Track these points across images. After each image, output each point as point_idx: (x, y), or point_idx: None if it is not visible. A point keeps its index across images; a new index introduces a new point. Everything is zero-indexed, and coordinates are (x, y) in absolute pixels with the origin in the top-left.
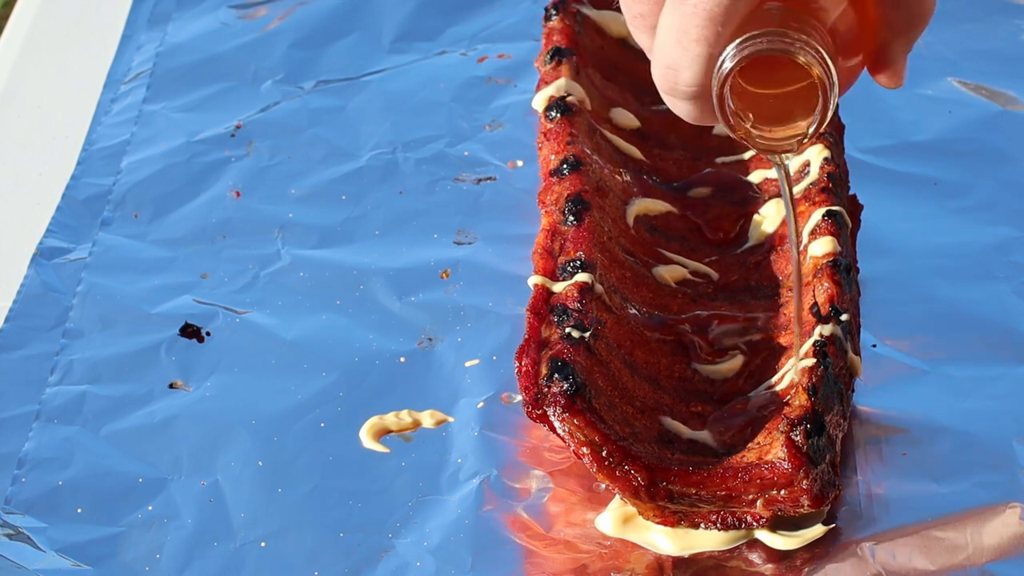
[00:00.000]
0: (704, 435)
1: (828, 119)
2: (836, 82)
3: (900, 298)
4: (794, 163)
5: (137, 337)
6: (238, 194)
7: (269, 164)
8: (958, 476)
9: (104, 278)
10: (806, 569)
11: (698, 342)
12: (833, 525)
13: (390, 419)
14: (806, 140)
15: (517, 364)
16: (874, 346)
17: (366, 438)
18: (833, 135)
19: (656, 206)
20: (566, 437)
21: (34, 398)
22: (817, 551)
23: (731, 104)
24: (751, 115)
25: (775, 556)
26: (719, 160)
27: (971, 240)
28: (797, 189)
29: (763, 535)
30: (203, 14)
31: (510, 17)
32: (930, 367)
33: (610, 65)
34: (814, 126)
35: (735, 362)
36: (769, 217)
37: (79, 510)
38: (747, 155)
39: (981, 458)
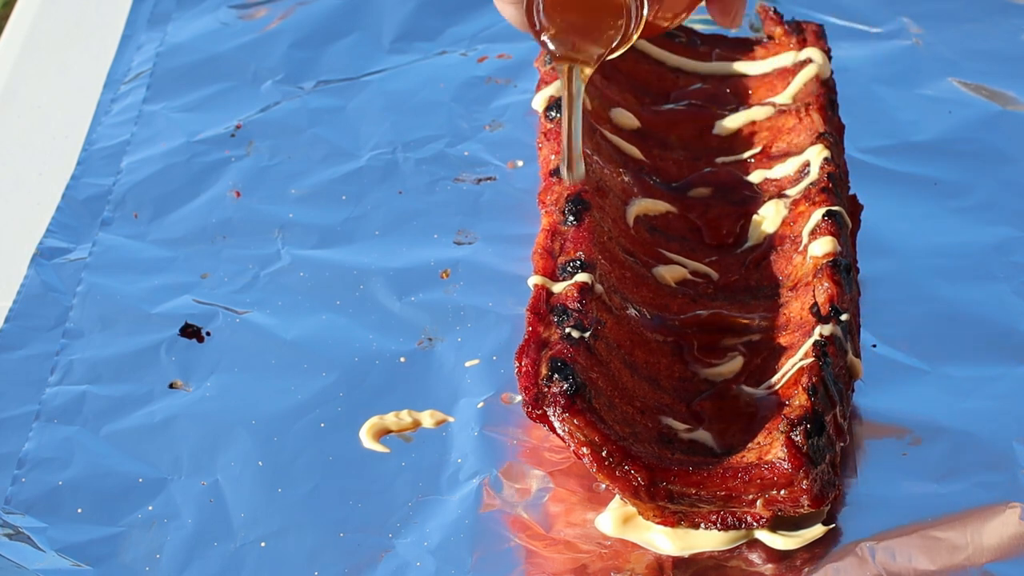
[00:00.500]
0: (704, 435)
1: (628, 42)
2: (644, 5)
3: (900, 298)
4: (794, 162)
5: (137, 337)
6: (238, 194)
7: (269, 164)
8: (958, 476)
9: (104, 278)
10: (806, 569)
11: (695, 345)
12: (833, 525)
13: (390, 419)
14: (602, 58)
15: (517, 364)
16: (874, 346)
17: (366, 438)
18: (833, 135)
19: (656, 206)
20: (566, 437)
21: (34, 398)
22: (817, 551)
23: (541, 8)
24: (559, 22)
25: (775, 556)
26: (719, 160)
27: (971, 240)
28: (797, 188)
29: (763, 535)
30: (203, 14)
31: None
32: (930, 367)
33: (610, 65)
34: (615, 43)
35: (735, 364)
36: (769, 217)
37: (79, 510)
38: (747, 155)
39: (981, 458)
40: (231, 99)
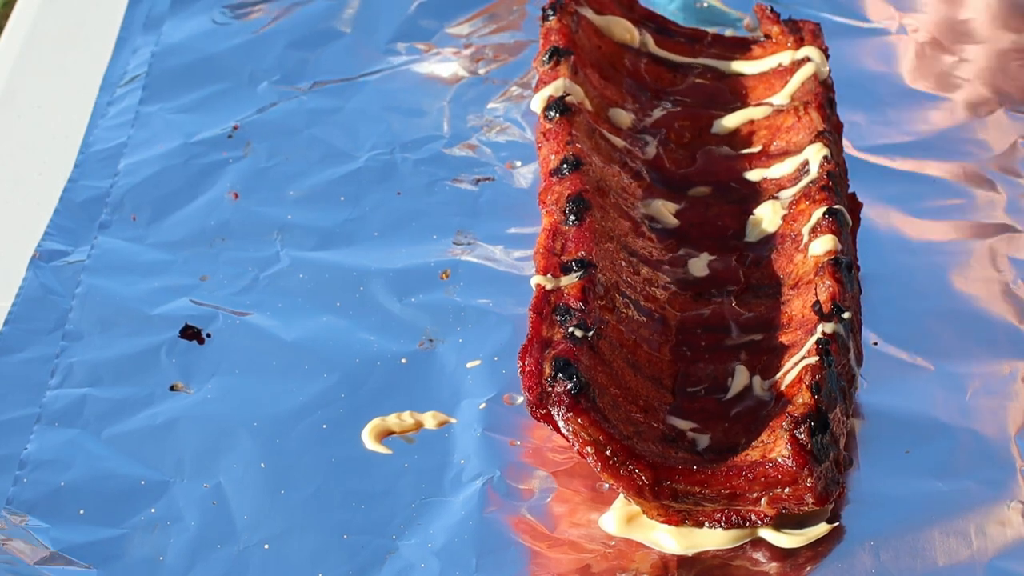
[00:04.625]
0: (707, 434)
1: None
2: None
3: (901, 295)
4: (793, 161)
5: (137, 339)
6: (236, 196)
7: (267, 165)
8: (960, 474)
9: (103, 280)
10: (810, 568)
11: (698, 344)
12: (837, 523)
13: (392, 420)
14: None
15: (520, 364)
16: (875, 344)
17: (368, 440)
18: (832, 133)
19: (656, 205)
20: (570, 436)
21: (35, 401)
22: (821, 549)
23: None
24: None
25: (779, 554)
26: (718, 158)
27: (971, 238)
28: (797, 187)
29: (767, 533)
30: (197, 15)
31: (507, 17)
32: (931, 365)
33: (608, 64)
34: None
35: (741, 379)
36: (768, 216)
37: (81, 511)
38: (746, 153)
39: (983, 456)
40: (228, 100)
